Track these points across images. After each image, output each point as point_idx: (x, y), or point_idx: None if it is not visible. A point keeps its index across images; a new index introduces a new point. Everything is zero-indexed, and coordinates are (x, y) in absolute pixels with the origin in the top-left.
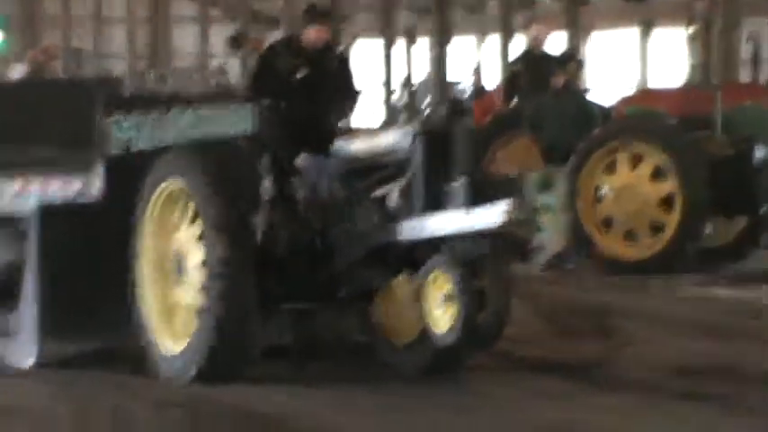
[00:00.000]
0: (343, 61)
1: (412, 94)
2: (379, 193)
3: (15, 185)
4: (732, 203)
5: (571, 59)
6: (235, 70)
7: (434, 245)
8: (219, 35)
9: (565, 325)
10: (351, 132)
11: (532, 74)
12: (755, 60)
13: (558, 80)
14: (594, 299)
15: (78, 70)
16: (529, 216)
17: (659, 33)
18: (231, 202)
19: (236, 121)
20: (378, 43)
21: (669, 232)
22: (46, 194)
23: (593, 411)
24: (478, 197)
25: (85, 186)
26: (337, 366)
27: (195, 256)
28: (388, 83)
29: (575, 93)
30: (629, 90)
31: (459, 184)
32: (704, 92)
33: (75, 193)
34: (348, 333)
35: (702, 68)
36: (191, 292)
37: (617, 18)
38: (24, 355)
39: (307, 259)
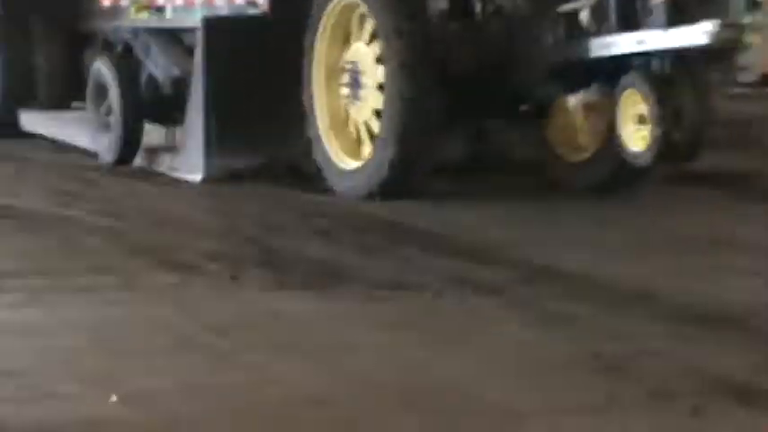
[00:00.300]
0: None
1: None
2: (567, 8)
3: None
4: None
5: None
6: None
7: (624, 64)
8: None
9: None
10: None
11: None
12: None
13: None
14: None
15: None
16: (736, 35)
17: None
18: (409, 16)
19: None
20: None
21: None
22: (212, 7)
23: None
24: (680, 15)
25: (255, 2)
26: (505, 183)
27: (373, 76)
28: None
29: None
30: None
31: (659, 2)
32: None
33: (241, 5)
34: (522, 149)
35: None
36: (367, 111)
37: None
38: (192, 169)
39: (488, 75)
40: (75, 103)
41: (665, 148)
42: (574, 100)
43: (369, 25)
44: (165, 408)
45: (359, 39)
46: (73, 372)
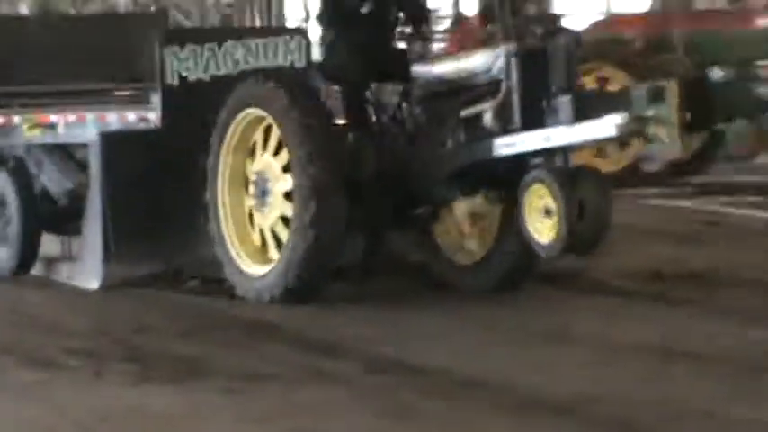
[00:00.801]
0: None
1: None
2: (468, 112)
3: (71, 116)
4: (693, 121)
5: None
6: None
7: (521, 163)
8: None
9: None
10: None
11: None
12: None
13: (530, 5)
14: None
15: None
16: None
17: None
18: (319, 131)
19: (287, 52)
20: None
21: (636, 148)
22: (104, 122)
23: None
24: (585, 112)
25: (144, 115)
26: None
27: (282, 183)
28: None
29: (548, 17)
30: (598, 16)
31: (563, 100)
32: (666, 17)
33: (133, 121)
34: (412, 254)
35: None
36: (273, 217)
37: None
38: (89, 277)
39: (387, 182)
40: None
41: (571, 239)
42: (461, 207)
43: (274, 138)
44: None
45: (265, 150)
46: None
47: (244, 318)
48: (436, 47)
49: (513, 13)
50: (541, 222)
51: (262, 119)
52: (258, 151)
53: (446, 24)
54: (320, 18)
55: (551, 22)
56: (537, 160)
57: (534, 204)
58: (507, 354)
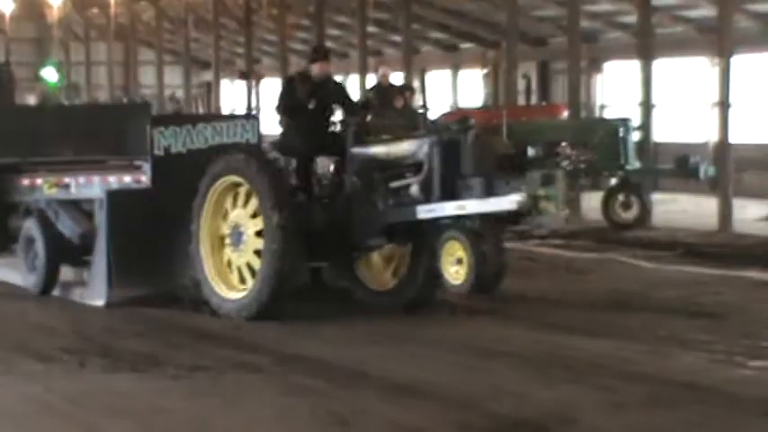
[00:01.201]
0: (341, 86)
1: None
2: (397, 184)
3: (81, 179)
4: None
5: (407, 89)
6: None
7: (433, 224)
8: (171, 73)
9: None
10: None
11: (381, 98)
12: (528, 91)
13: (399, 102)
14: None
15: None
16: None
17: (465, 74)
18: (281, 189)
19: (243, 132)
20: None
21: None
22: (107, 183)
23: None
24: (490, 189)
25: (137, 177)
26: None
27: (252, 226)
28: None
29: (411, 110)
30: (448, 109)
31: (476, 180)
32: (495, 111)
33: (128, 182)
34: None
35: (493, 95)
36: (248, 254)
37: (438, 63)
38: (97, 297)
39: (332, 231)
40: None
41: (476, 281)
42: (377, 252)
43: (243, 196)
44: None
45: (236, 207)
46: None
47: (188, 325)
48: None
49: (386, 106)
50: (454, 268)
51: (236, 184)
52: (230, 210)
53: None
54: (277, 109)
55: (464, 121)
56: (447, 221)
57: (449, 255)
58: (385, 352)
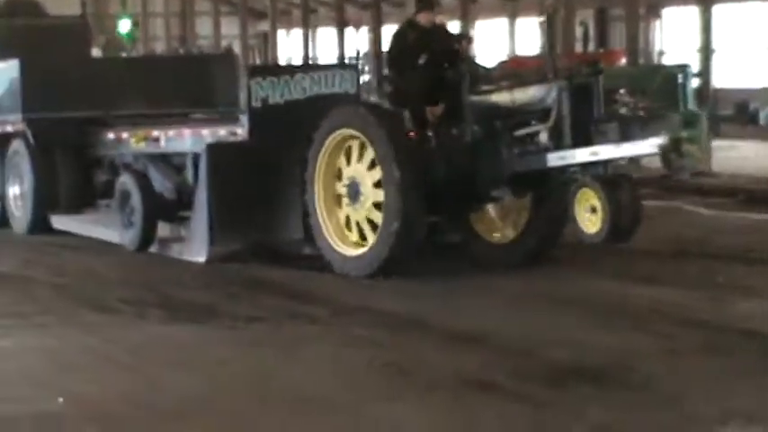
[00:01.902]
0: (450, 33)
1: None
2: (520, 132)
3: (171, 132)
4: None
5: (464, 37)
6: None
7: (558, 172)
8: (228, 24)
9: None
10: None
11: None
12: (585, 38)
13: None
14: None
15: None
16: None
17: (522, 22)
18: (402, 144)
19: (342, 82)
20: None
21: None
22: (199, 137)
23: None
24: (628, 133)
25: (233, 130)
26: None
27: (369, 177)
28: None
29: (469, 59)
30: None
31: (610, 125)
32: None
33: (223, 135)
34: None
35: (550, 44)
36: (365, 209)
37: (495, 11)
38: (197, 253)
39: (455, 183)
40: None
41: (612, 229)
42: (509, 202)
43: (357, 148)
44: (95, 406)
45: (351, 162)
46: (29, 380)
47: (246, 276)
48: None
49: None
50: (589, 217)
51: (349, 137)
52: (345, 167)
53: None
54: (390, 64)
55: (595, 64)
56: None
57: (583, 203)
58: (450, 303)
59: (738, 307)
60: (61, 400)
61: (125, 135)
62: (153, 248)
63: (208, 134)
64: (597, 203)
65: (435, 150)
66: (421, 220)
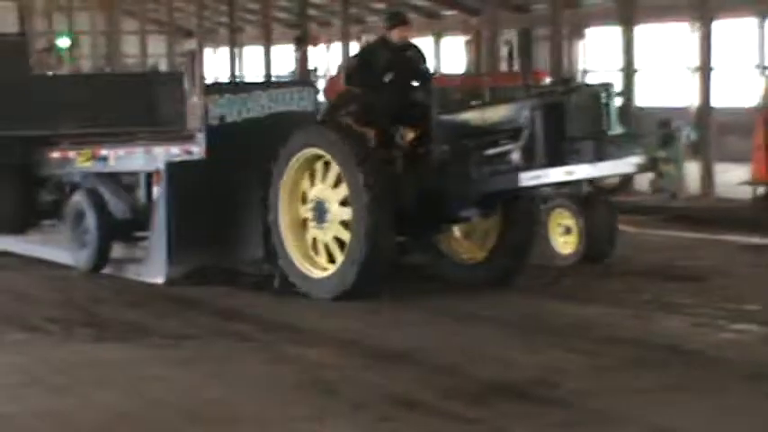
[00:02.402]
0: (421, 52)
1: None
2: (491, 152)
3: (121, 151)
4: None
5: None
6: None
7: (528, 192)
8: (154, 43)
9: None
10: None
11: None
12: (510, 57)
13: None
14: None
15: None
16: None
17: (447, 41)
18: (371, 162)
19: (299, 100)
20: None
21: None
22: (150, 155)
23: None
24: (602, 154)
25: (187, 148)
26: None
27: (335, 196)
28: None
29: None
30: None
31: (585, 144)
32: (477, 78)
33: (176, 153)
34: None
35: (475, 62)
36: (333, 229)
37: (421, 30)
38: (156, 274)
39: (425, 205)
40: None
41: (587, 250)
42: (476, 221)
43: (321, 167)
44: (23, 425)
45: (315, 183)
46: None
47: (172, 294)
48: None
49: None
50: (563, 238)
51: (315, 156)
52: (309, 189)
53: None
54: (348, 79)
55: (568, 81)
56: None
57: (556, 224)
58: (377, 320)
59: (664, 323)
60: None
61: (71, 154)
62: (107, 269)
63: (161, 152)
64: (572, 224)
65: (403, 170)
66: (389, 241)
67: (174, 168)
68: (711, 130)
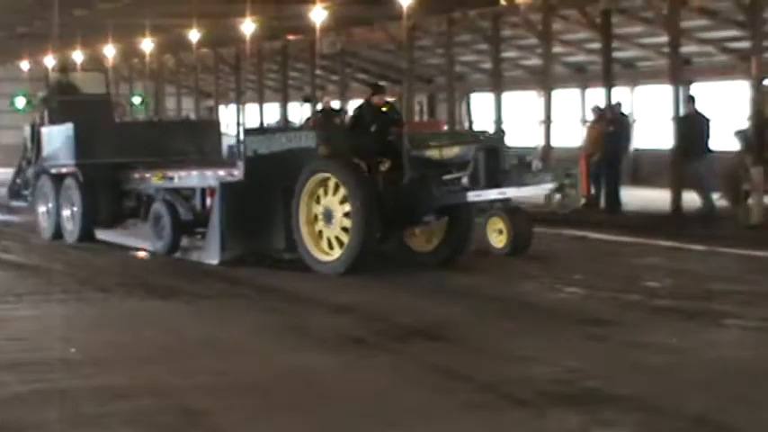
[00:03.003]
0: (396, 110)
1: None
2: (447, 177)
3: (183, 172)
4: None
5: (343, 111)
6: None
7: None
8: (186, 101)
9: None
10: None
11: (326, 118)
12: (421, 112)
13: (337, 120)
14: None
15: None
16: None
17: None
18: (364, 183)
19: (306, 140)
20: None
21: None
22: (204, 176)
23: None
24: (525, 179)
25: (231, 171)
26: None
27: (341, 208)
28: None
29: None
30: None
31: (513, 173)
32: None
33: (222, 175)
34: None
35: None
36: (336, 230)
37: (363, 93)
38: (212, 257)
39: (401, 211)
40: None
41: (513, 246)
42: (432, 224)
43: (333, 185)
44: (96, 353)
45: (327, 195)
46: (52, 336)
47: (200, 267)
48: None
49: (330, 123)
50: (496, 236)
51: (326, 178)
52: (323, 197)
53: None
54: (351, 127)
55: (501, 131)
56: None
57: (492, 227)
58: (334, 284)
59: (521, 286)
60: (73, 350)
61: (147, 174)
62: (177, 254)
63: (210, 175)
64: (503, 227)
65: (384, 189)
66: (373, 236)
67: (225, 186)
68: (551, 162)
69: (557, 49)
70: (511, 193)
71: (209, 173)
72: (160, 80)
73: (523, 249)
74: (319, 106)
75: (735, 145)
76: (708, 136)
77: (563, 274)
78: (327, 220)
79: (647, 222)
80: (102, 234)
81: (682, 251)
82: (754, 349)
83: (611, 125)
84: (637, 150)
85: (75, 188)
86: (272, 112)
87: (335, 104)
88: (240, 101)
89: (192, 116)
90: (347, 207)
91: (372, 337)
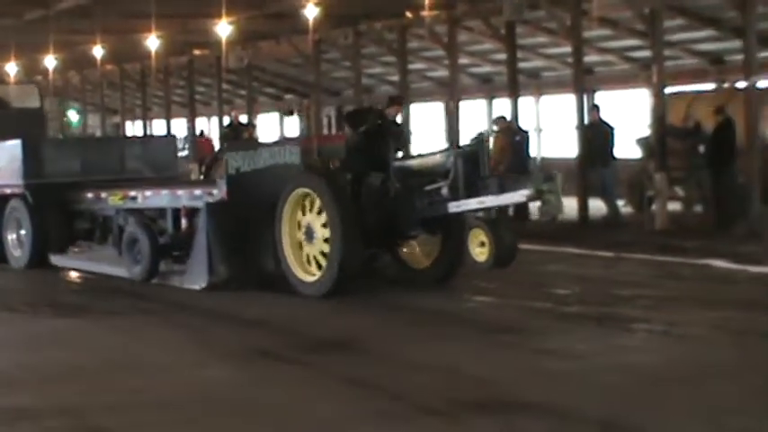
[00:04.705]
0: (400, 124)
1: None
2: (431, 187)
3: (148, 192)
4: None
5: (251, 125)
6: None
7: (459, 219)
8: (92, 118)
9: None
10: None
11: (234, 132)
12: (329, 125)
13: (246, 134)
14: None
15: None
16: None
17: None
18: (344, 200)
19: (289, 155)
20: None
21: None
22: (175, 196)
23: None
24: (504, 187)
25: (208, 190)
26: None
27: (320, 221)
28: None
29: (256, 140)
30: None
31: (492, 181)
32: (309, 138)
33: (198, 195)
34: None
35: (307, 128)
36: (317, 248)
37: (270, 107)
38: (197, 282)
39: (383, 226)
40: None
41: (495, 259)
42: (408, 243)
43: (317, 205)
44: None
45: (306, 212)
46: None
47: (110, 286)
48: None
49: (238, 137)
50: (479, 249)
51: (306, 194)
52: (302, 216)
53: None
54: (347, 145)
55: (480, 136)
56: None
57: (474, 240)
58: (247, 298)
59: (434, 296)
60: None
61: (103, 194)
62: (155, 280)
63: (182, 194)
64: (485, 239)
65: (369, 204)
66: (357, 250)
67: (210, 206)
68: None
69: (463, 60)
70: (490, 202)
71: (180, 192)
72: (65, 96)
73: (508, 262)
74: (226, 120)
75: (638, 152)
76: (612, 144)
77: (472, 283)
78: (309, 238)
79: (554, 230)
80: (57, 260)
81: (589, 258)
82: (660, 353)
83: (517, 135)
84: (543, 159)
85: (24, 210)
86: (179, 127)
87: (243, 119)
88: (147, 117)
89: (98, 133)
90: (324, 218)
91: (281, 350)
